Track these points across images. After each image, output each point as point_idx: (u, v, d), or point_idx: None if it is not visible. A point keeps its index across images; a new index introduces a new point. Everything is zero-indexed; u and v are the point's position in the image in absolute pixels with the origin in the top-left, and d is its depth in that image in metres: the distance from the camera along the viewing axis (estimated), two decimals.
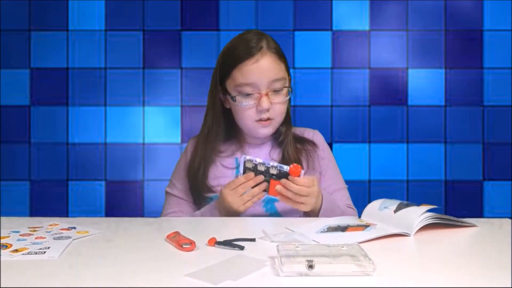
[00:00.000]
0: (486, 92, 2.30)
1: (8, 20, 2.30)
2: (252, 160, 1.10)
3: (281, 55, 1.23)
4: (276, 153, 1.29)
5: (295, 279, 0.69)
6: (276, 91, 1.20)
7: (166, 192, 1.33)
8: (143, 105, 2.32)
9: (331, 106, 2.31)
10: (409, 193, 2.30)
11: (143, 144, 2.32)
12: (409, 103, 2.30)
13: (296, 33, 2.31)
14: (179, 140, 2.32)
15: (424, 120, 2.30)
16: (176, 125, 2.32)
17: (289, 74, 1.27)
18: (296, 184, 1.08)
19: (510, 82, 2.29)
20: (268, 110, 1.19)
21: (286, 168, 1.09)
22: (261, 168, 1.10)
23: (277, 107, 1.21)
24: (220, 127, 1.27)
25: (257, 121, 1.22)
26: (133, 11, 2.32)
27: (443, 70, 2.30)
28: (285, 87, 1.22)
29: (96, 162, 2.31)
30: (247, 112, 1.21)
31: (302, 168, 1.10)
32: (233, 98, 1.20)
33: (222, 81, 1.24)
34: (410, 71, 2.31)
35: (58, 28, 2.31)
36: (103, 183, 2.31)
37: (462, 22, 2.30)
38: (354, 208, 1.31)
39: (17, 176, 2.30)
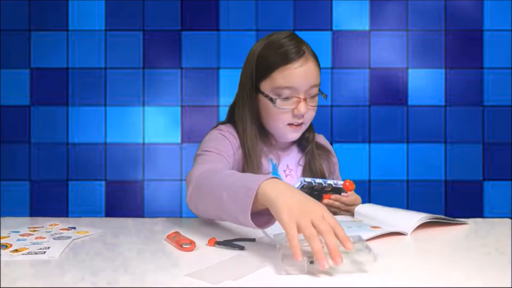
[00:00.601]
0: (486, 92, 2.30)
1: (8, 20, 2.30)
2: (312, 183, 1.09)
3: (318, 61, 1.22)
4: (302, 160, 1.29)
5: (295, 279, 0.69)
6: (312, 97, 1.18)
7: (199, 154, 1.18)
8: (143, 105, 2.32)
9: (331, 106, 2.31)
10: (409, 193, 2.30)
11: (143, 144, 2.32)
12: (409, 103, 2.30)
13: (296, 33, 2.30)
14: (179, 140, 2.32)
15: (424, 120, 2.30)
16: (176, 125, 2.32)
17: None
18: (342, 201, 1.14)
19: (510, 82, 2.29)
20: (303, 115, 1.18)
21: (340, 183, 1.11)
22: (318, 187, 1.11)
23: (310, 112, 1.20)
24: (256, 127, 1.22)
25: (288, 124, 1.19)
26: (133, 11, 2.32)
27: (443, 70, 2.30)
28: (318, 94, 1.21)
29: (96, 162, 2.31)
30: (283, 116, 1.17)
31: (354, 185, 1.12)
32: (272, 100, 1.16)
33: (258, 80, 1.19)
34: (410, 71, 2.31)
35: (58, 28, 2.31)
36: (103, 183, 2.31)
37: (462, 22, 2.30)
38: None
39: (17, 176, 2.31)
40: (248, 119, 1.21)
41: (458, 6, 2.30)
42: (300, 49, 1.16)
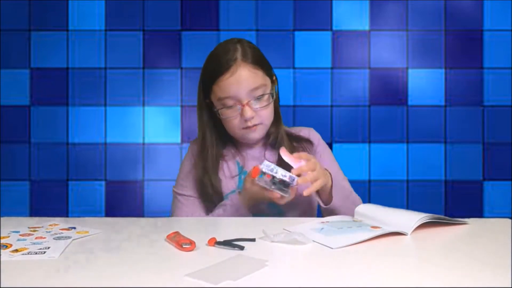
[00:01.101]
0: (486, 92, 2.30)
1: (8, 20, 2.30)
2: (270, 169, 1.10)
3: (258, 62, 1.24)
4: (272, 154, 1.32)
5: (294, 279, 0.69)
6: (258, 98, 1.22)
7: (176, 193, 1.33)
8: (143, 105, 2.32)
9: (331, 106, 2.31)
10: (409, 193, 2.30)
11: (143, 144, 2.32)
12: (409, 103, 2.30)
13: (296, 33, 2.31)
14: (179, 140, 2.32)
15: (424, 120, 2.30)
16: (176, 125, 2.32)
17: (271, 76, 1.28)
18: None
19: (510, 82, 2.29)
20: (252, 118, 1.22)
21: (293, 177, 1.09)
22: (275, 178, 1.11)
23: (262, 112, 1.24)
24: (213, 137, 1.30)
25: (244, 128, 1.25)
26: (133, 11, 2.32)
27: (443, 70, 2.30)
28: (266, 93, 1.24)
29: (96, 162, 2.31)
30: (233, 123, 1.24)
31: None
32: (217, 112, 1.24)
33: (207, 95, 1.27)
34: (410, 71, 2.31)
35: (58, 28, 2.31)
36: (103, 183, 2.31)
37: (462, 22, 2.30)
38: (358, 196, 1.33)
39: (17, 176, 2.31)
40: (202, 132, 1.30)
41: (458, 6, 2.30)
42: (229, 59, 1.21)
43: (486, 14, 2.29)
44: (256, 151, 1.33)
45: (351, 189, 1.31)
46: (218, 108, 1.24)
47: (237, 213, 1.19)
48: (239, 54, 1.21)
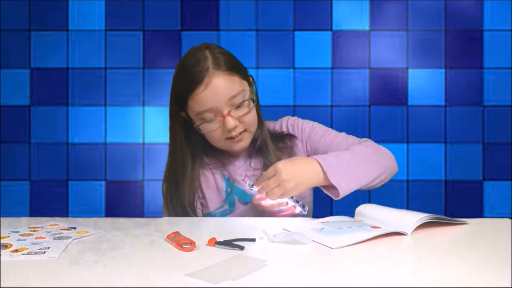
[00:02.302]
0: (486, 92, 2.30)
1: (8, 20, 2.30)
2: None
3: (232, 68, 1.16)
4: (256, 162, 1.27)
5: (294, 279, 0.69)
6: (238, 106, 1.15)
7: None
8: (143, 105, 2.32)
9: (331, 106, 2.31)
10: (409, 193, 2.30)
11: (143, 144, 2.32)
12: (409, 103, 2.30)
13: (296, 33, 2.31)
14: None
15: (424, 120, 2.30)
16: None
17: (247, 79, 1.21)
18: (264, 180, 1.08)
19: (510, 82, 2.29)
20: (235, 127, 1.15)
21: None
22: None
23: (245, 119, 1.17)
24: (187, 156, 1.26)
25: (228, 138, 1.18)
26: (133, 11, 2.32)
27: (443, 70, 2.30)
28: (246, 100, 1.16)
29: (96, 162, 2.31)
30: (215, 135, 1.18)
31: None
32: (197, 127, 1.18)
33: (182, 108, 1.22)
34: (410, 71, 2.31)
35: (58, 28, 2.31)
36: (103, 183, 2.31)
37: (462, 22, 2.30)
38: (366, 139, 1.28)
39: (17, 176, 2.30)
40: (174, 154, 1.31)
41: (458, 6, 2.30)
42: (200, 70, 1.13)
43: (486, 14, 2.29)
44: (241, 162, 1.27)
45: (352, 147, 1.21)
46: (198, 123, 1.17)
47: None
48: (210, 63, 1.13)
